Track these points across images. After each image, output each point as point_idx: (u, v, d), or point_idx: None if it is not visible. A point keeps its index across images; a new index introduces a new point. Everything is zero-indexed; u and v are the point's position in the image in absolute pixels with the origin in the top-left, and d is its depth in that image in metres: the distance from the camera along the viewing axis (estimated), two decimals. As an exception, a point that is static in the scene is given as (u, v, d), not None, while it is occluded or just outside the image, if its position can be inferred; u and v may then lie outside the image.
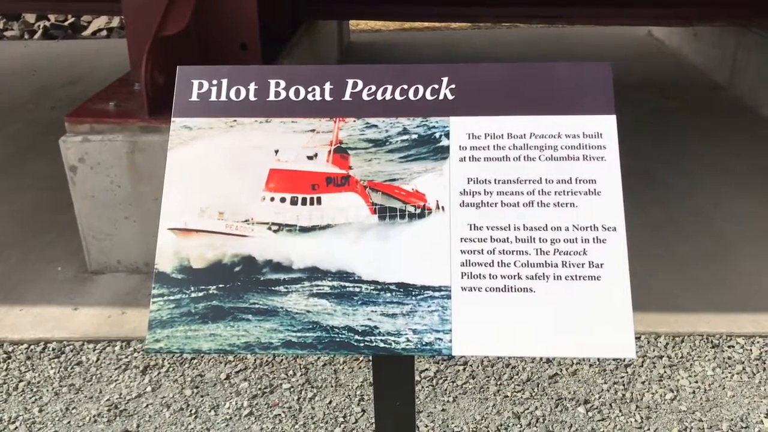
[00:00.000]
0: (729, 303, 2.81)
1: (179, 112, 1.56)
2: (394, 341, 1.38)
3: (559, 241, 1.41)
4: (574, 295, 1.39)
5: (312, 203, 1.48)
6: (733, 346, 2.58)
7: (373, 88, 1.53)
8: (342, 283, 1.42)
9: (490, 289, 1.40)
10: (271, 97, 1.55)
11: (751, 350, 2.55)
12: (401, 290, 1.41)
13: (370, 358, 2.01)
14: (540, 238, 1.42)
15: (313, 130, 1.52)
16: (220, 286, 1.43)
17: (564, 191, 1.44)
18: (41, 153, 4.36)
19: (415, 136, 1.50)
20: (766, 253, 3.17)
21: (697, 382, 2.42)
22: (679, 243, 3.28)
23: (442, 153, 1.48)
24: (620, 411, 2.30)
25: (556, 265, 1.40)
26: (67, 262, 3.21)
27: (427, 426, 2.26)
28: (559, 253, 1.40)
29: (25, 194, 3.91)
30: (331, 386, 2.43)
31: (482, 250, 1.42)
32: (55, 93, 5.73)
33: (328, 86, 1.54)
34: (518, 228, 1.42)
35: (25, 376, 2.52)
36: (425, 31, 8.07)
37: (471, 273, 1.40)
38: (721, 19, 4.91)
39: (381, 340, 1.38)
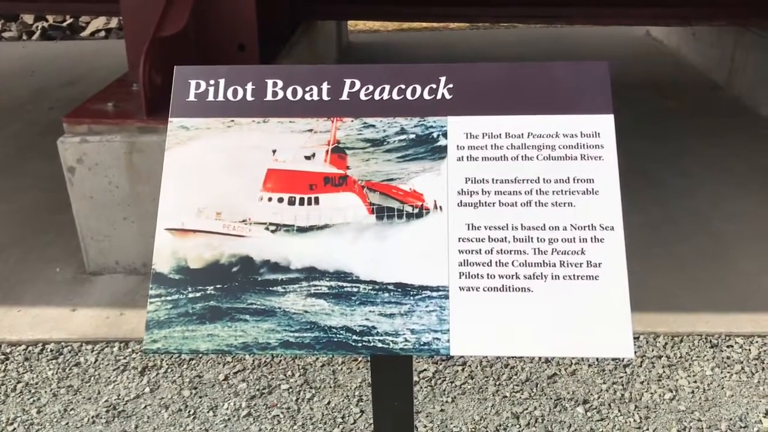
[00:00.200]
0: (728, 303, 2.81)
1: (177, 113, 1.55)
2: (392, 341, 1.38)
3: (557, 240, 1.41)
4: (572, 294, 1.38)
5: (310, 203, 1.48)
6: (732, 346, 2.58)
7: (371, 87, 1.53)
8: (340, 284, 1.42)
9: (488, 289, 1.40)
10: (269, 97, 1.55)
11: (749, 350, 2.55)
12: (399, 290, 1.41)
13: (369, 358, 2.01)
14: (538, 238, 1.41)
15: (310, 130, 1.52)
16: (218, 286, 1.43)
17: (562, 191, 1.44)
18: (40, 153, 4.36)
19: (412, 136, 1.50)
20: (765, 253, 3.17)
21: (696, 381, 2.42)
22: (678, 243, 3.28)
23: (440, 153, 1.48)
24: (619, 411, 2.30)
25: (554, 265, 1.40)
26: (66, 262, 3.20)
27: (425, 426, 2.26)
28: (557, 253, 1.40)
29: (24, 195, 3.90)
30: (330, 387, 2.43)
31: (480, 249, 1.41)
32: (53, 94, 5.72)
33: (325, 86, 1.54)
34: (516, 228, 1.42)
35: (24, 377, 2.52)
36: (424, 32, 8.07)
37: (469, 273, 1.40)
38: (719, 18, 4.92)
39: (379, 340, 1.38)
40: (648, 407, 2.31)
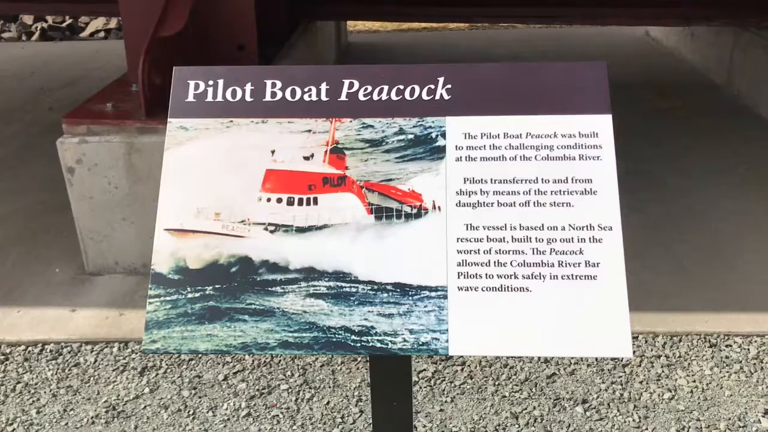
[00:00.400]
0: (727, 303, 2.81)
1: (176, 113, 1.56)
2: (390, 341, 1.38)
3: (556, 240, 1.41)
4: (571, 294, 1.39)
5: (308, 203, 1.48)
6: (731, 346, 2.58)
7: (370, 88, 1.53)
8: (339, 284, 1.42)
9: (487, 289, 1.40)
10: (268, 98, 1.55)
11: (748, 350, 2.56)
12: (398, 290, 1.41)
13: (368, 358, 2.02)
14: (536, 238, 1.42)
15: (309, 131, 1.52)
16: (217, 286, 1.43)
17: (560, 191, 1.44)
18: (39, 154, 4.36)
19: (411, 136, 1.50)
20: (764, 253, 3.18)
21: (695, 381, 2.42)
22: (676, 242, 3.28)
23: (439, 153, 1.48)
24: (618, 411, 2.30)
25: (553, 265, 1.40)
26: (65, 263, 3.20)
27: (425, 426, 2.26)
28: (556, 253, 1.41)
29: (24, 195, 3.91)
30: (329, 387, 2.43)
31: (479, 249, 1.42)
32: (52, 94, 5.73)
33: (324, 86, 1.54)
34: (514, 228, 1.42)
35: (23, 377, 2.52)
36: (424, 32, 8.07)
37: (467, 273, 1.40)
38: (718, 18, 4.92)
39: (378, 340, 1.38)
40: (647, 407, 2.31)
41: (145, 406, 2.37)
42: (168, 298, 1.43)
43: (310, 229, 1.46)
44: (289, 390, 2.42)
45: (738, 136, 4.57)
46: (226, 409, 2.35)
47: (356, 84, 1.54)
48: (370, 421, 2.25)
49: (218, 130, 1.54)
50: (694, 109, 5.12)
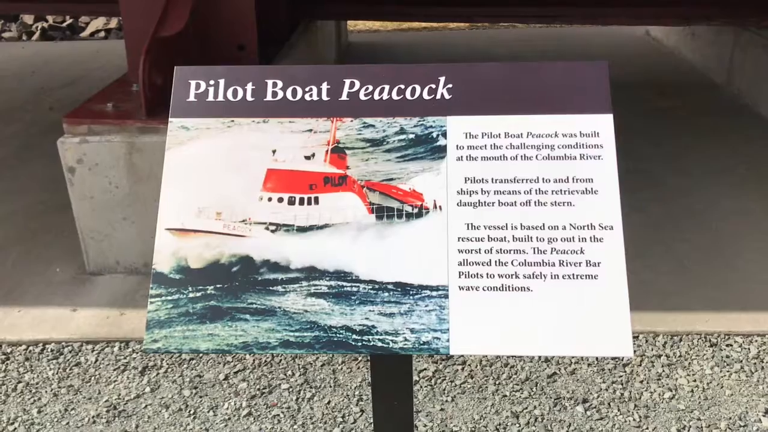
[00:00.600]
0: (727, 302, 2.81)
1: (177, 113, 1.56)
2: (391, 340, 1.38)
3: (557, 240, 1.41)
4: (572, 294, 1.39)
5: (309, 203, 1.48)
6: (732, 345, 2.58)
7: (370, 87, 1.53)
8: (340, 283, 1.42)
9: (488, 289, 1.40)
10: (269, 98, 1.55)
11: (749, 349, 2.56)
12: (399, 290, 1.41)
13: (369, 357, 2.02)
14: (537, 238, 1.42)
15: (310, 130, 1.52)
16: (218, 286, 1.43)
17: (561, 190, 1.44)
18: (40, 154, 4.36)
19: (412, 136, 1.50)
20: (764, 252, 3.18)
21: (695, 381, 2.42)
22: (677, 242, 3.28)
23: (440, 152, 1.48)
24: (619, 410, 2.30)
25: (554, 264, 1.40)
26: (66, 263, 3.21)
27: (425, 426, 2.26)
28: (557, 252, 1.41)
29: (24, 195, 3.91)
30: (330, 386, 2.44)
31: (479, 249, 1.42)
32: (53, 94, 5.73)
33: (325, 86, 1.54)
34: (515, 227, 1.42)
35: (24, 377, 2.52)
36: (424, 32, 8.07)
37: (468, 272, 1.41)
38: (718, 18, 4.92)
39: (379, 340, 1.38)
40: (647, 406, 2.31)
41: (146, 406, 2.37)
42: (169, 298, 1.43)
43: (311, 228, 1.46)
44: (290, 389, 2.42)
45: (738, 135, 4.57)
46: (227, 408, 2.35)
47: (357, 84, 1.54)
48: (371, 421, 2.25)
49: (219, 129, 1.54)
50: (694, 109, 5.12)
